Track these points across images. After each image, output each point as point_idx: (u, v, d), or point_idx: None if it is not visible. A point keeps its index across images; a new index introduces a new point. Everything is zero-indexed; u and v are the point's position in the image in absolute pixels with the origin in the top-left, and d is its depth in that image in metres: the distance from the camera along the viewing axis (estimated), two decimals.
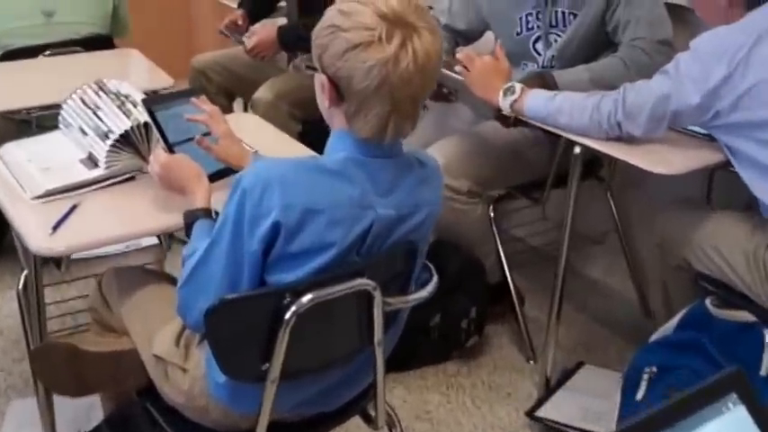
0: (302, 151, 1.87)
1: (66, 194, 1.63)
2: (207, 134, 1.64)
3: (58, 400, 1.79)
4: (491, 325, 2.49)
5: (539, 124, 2.02)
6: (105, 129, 1.72)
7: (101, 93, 1.83)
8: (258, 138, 1.85)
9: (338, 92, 1.24)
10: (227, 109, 3.07)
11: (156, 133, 1.63)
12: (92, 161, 1.72)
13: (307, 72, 1.35)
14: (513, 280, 2.50)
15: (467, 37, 2.49)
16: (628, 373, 1.97)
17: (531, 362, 2.40)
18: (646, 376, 1.91)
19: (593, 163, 2.45)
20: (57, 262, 2.10)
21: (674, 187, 2.01)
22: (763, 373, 1.74)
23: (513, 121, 2.08)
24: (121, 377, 1.55)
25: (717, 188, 2.26)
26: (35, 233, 1.50)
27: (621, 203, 2.57)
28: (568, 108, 1.94)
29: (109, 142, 1.69)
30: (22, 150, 1.78)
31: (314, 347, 1.38)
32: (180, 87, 2.12)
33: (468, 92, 2.08)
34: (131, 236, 1.62)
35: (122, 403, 1.76)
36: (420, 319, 2.27)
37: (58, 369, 1.54)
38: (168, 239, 2.30)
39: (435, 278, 1.49)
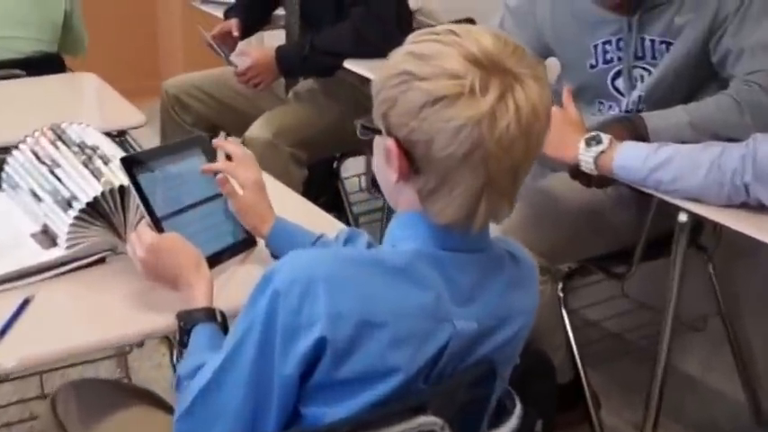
0: (310, 210, 1.90)
1: (13, 284, 1.60)
2: (210, 199, 1.66)
3: None
4: None
5: (632, 184, 2.01)
6: (67, 194, 1.69)
7: (59, 143, 1.78)
8: None
9: (411, 161, 1.21)
10: None
11: (138, 203, 1.60)
12: (48, 237, 1.70)
13: (364, 133, 1.24)
14: (587, 379, 2.44)
15: None
16: None
17: None
18: None
19: (693, 228, 2.35)
20: None
21: None
22: None
23: (596, 180, 2.07)
24: None
25: None
26: None
27: (726, 279, 2.57)
28: (676, 164, 1.93)
29: (72, 213, 1.65)
30: None
31: None
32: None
33: None
34: (104, 344, 1.55)
35: None
36: None
37: None
38: None
39: (518, 409, 1.42)
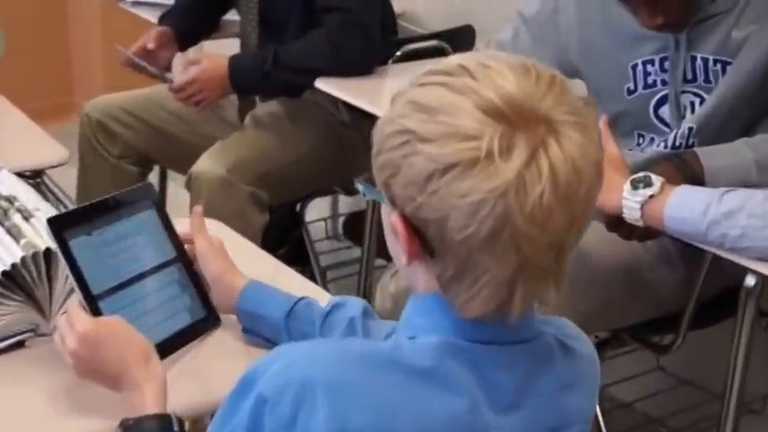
0: (275, 267, 1.92)
1: None
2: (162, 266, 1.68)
3: None
4: None
5: (688, 239, 2.01)
6: None
7: None
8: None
9: (424, 242, 1.20)
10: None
11: (68, 275, 1.59)
12: None
13: (368, 193, 1.22)
14: None
15: None
16: None
17: None
18: None
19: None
20: None
21: None
22: None
23: (639, 232, 2.07)
24: None
25: None
26: None
27: None
28: (746, 215, 1.93)
29: None
30: None
31: None
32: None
33: None
34: None
35: None
36: None
37: None
38: None
39: None
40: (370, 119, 2.77)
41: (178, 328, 1.65)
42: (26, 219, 1.70)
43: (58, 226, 1.57)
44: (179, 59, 3.22)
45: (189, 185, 2.83)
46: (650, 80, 2.28)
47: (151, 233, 1.67)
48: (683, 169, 2.09)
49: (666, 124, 2.30)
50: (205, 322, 1.68)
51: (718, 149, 2.15)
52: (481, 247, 1.15)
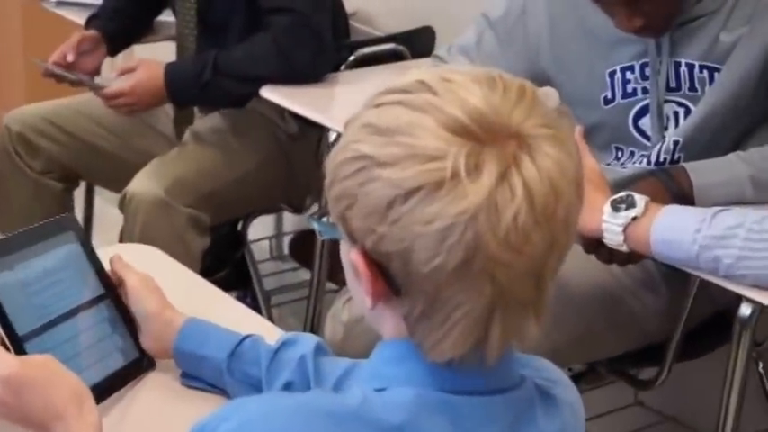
0: (210, 294, 1.92)
1: None
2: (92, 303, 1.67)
3: None
4: None
5: (677, 264, 2.01)
6: None
7: None
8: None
9: (389, 279, 1.17)
10: (66, 203, 3.14)
11: None
12: None
13: (323, 232, 1.17)
14: None
15: None
16: None
17: None
18: None
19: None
20: None
21: None
22: None
23: (620, 256, 2.06)
24: None
25: None
26: None
27: None
28: (741, 237, 1.92)
29: None
30: None
31: None
32: None
33: None
34: None
35: None
36: None
37: None
38: None
39: None
40: (320, 130, 2.77)
41: (112, 371, 1.63)
42: None
43: None
44: (109, 65, 3.21)
45: (122, 207, 2.82)
46: (629, 88, 2.29)
47: (77, 268, 1.66)
48: (670, 186, 2.10)
49: (647, 137, 2.30)
50: (139, 363, 1.66)
51: (709, 164, 2.16)
52: (451, 279, 1.13)
